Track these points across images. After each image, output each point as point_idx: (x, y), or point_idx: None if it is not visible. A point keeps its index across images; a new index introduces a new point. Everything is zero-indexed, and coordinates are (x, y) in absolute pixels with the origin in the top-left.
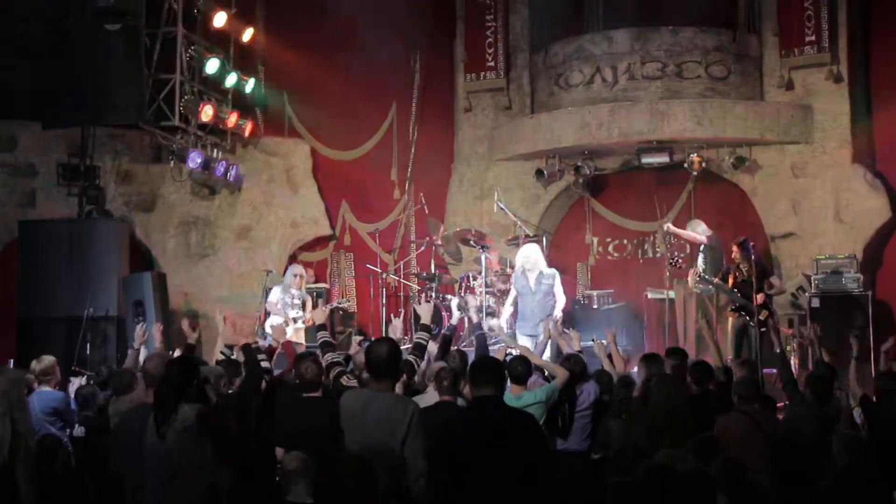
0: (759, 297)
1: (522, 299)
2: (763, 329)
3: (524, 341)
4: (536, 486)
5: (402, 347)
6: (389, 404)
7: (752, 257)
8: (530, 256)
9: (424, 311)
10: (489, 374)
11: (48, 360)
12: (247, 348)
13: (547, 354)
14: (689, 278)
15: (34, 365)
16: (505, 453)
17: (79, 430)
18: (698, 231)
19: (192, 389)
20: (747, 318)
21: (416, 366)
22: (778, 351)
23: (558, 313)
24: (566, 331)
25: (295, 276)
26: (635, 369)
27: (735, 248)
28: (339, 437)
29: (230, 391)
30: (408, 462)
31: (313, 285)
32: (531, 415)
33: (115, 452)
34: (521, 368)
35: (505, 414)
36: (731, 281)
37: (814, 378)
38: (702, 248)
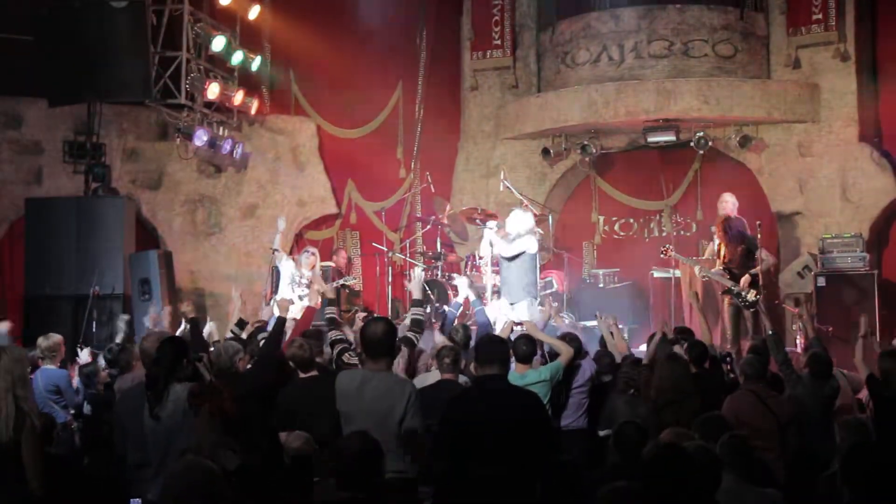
0: (744, 280)
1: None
2: (753, 310)
3: (507, 308)
4: (540, 465)
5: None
6: (387, 384)
7: (744, 234)
8: (522, 221)
9: (415, 287)
10: (494, 352)
11: (55, 337)
12: (282, 321)
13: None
14: (697, 271)
15: (41, 341)
16: (509, 432)
17: (87, 409)
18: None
19: (184, 369)
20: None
21: (415, 342)
22: (770, 333)
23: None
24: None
25: (312, 254)
26: (641, 347)
27: (717, 228)
28: (337, 417)
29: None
30: (405, 443)
31: (323, 263)
32: (535, 393)
33: (117, 431)
34: (526, 347)
35: (509, 392)
36: (719, 262)
37: (813, 357)
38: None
